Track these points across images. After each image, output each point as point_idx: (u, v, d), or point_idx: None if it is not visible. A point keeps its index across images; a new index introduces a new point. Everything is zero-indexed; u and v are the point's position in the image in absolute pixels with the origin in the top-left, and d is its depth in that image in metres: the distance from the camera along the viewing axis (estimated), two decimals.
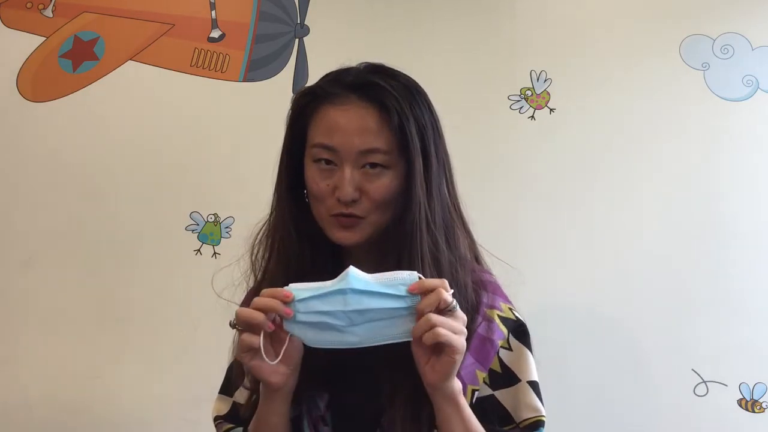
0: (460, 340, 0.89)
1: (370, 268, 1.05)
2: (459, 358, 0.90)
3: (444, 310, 0.89)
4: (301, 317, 0.89)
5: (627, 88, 2.05)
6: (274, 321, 0.90)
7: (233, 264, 1.14)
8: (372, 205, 1.02)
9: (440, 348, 0.89)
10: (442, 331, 0.87)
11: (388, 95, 1.01)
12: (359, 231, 1.03)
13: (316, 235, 1.06)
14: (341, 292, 0.88)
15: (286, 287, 0.90)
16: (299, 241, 1.06)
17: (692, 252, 2.02)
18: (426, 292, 0.89)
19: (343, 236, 1.03)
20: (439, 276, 1.00)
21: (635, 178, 2.04)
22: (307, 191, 1.07)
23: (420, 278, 0.90)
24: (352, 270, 0.89)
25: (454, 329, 0.88)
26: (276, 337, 0.91)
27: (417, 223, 1.00)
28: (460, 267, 1.05)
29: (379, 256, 1.04)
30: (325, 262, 1.06)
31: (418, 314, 0.89)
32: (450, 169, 1.09)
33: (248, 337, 0.90)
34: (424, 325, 0.88)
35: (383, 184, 1.01)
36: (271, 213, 1.10)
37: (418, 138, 1.01)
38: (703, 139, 2.04)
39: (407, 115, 1.01)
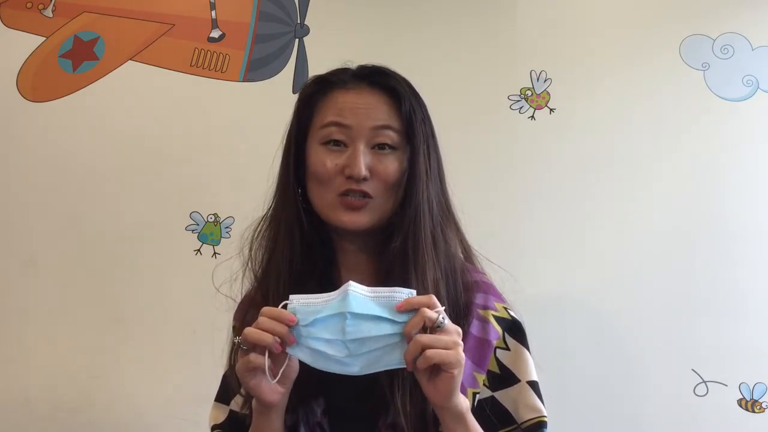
0: (453, 356, 0.88)
1: (369, 260, 1.06)
2: (458, 372, 0.89)
3: (433, 327, 0.88)
4: (303, 341, 0.89)
5: (627, 88, 2.05)
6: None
7: (234, 257, 1.14)
8: (381, 186, 1.03)
9: (437, 367, 0.88)
10: (431, 353, 0.86)
11: (396, 82, 1.06)
12: (367, 214, 1.04)
13: (312, 231, 1.07)
14: (341, 316, 0.87)
15: (288, 302, 0.90)
16: (302, 233, 1.07)
17: (692, 252, 2.02)
18: (414, 309, 0.88)
19: (349, 219, 1.03)
20: (438, 259, 1.03)
21: (635, 178, 2.03)
22: (304, 187, 1.07)
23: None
24: (352, 288, 0.89)
25: (445, 345, 0.87)
26: (276, 356, 0.91)
27: (421, 204, 1.03)
28: (453, 254, 1.07)
29: (377, 245, 1.05)
30: (318, 260, 1.07)
31: (407, 338, 0.88)
32: (443, 172, 1.12)
33: (255, 358, 0.90)
34: (414, 349, 0.87)
35: (393, 164, 1.04)
36: (271, 206, 1.11)
37: (421, 126, 1.06)
38: (703, 139, 2.04)
39: (412, 103, 1.06)
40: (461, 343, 0.89)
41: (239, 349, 0.92)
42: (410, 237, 1.02)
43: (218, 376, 1.18)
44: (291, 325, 0.89)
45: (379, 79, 1.07)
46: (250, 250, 1.12)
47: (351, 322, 0.87)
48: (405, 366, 0.89)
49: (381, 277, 1.04)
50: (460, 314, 1.04)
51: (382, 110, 1.04)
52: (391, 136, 1.04)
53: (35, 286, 2.01)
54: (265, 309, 0.91)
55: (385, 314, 0.88)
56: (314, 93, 1.09)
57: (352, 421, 1.03)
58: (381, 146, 1.04)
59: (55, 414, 1.99)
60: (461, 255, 1.11)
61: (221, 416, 1.13)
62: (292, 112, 1.11)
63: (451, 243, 1.08)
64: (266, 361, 0.89)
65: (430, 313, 0.88)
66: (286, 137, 1.11)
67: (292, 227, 1.07)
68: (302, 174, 1.08)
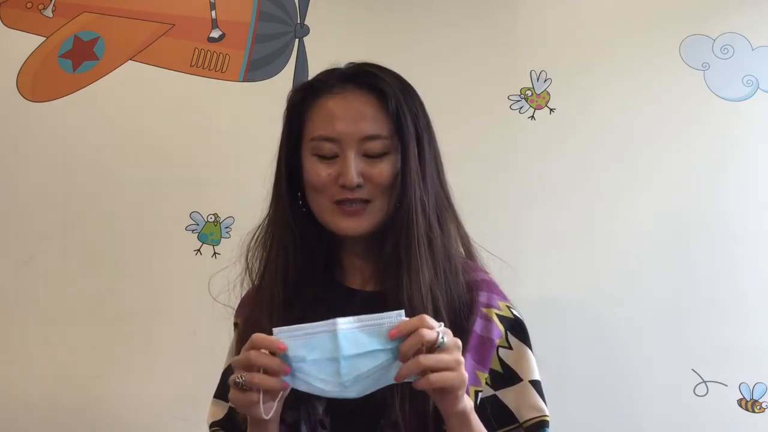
0: (457, 379, 0.87)
1: (367, 261, 1.06)
2: (461, 392, 0.88)
3: (432, 348, 0.86)
4: (297, 374, 0.87)
5: (627, 88, 2.05)
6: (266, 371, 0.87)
7: (230, 267, 1.14)
8: (376, 190, 1.03)
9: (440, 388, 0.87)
10: (434, 378, 0.85)
11: (383, 82, 1.05)
12: (366, 218, 1.03)
13: (311, 234, 1.07)
14: (334, 360, 0.86)
15: (276, 336, 0.87)
16: (297, 238, 1.06)
17: (692, 252, 2.02)
18: (407, 333, 0.85)
19: (348, 226, 1.03)
20: (433, 260, 1.02)
21: (635, 177, 2.03)
22: (303, 190, 1.07)
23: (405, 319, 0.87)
24: (341, 327, 0.86)
25: (447, 365, 0.86)
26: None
27: (413, 206, 1.02)
28: (452, 252, 1.06)
29: (377, 246, 1.04)
30: (318, 263, 1.07)
31: (401, 356, 0.86)
32: (441, 163, 1.10)
33: (254, 396, 0.87)
34: (414, 367, 0.85)
35: (385, 168, 1.03)
36: (268, 213, 1.11)
37: (411, 123, 1.04)
38: (703, 139, 2.04)
39: (401, 101, 1.04)
40: (463, 360, 0.88)
41: (239, 386, 0.88)
42: (402, 240, 1.01)
43: (218, 377, 1.18)
44: (280, 353, 0.86)
45: (365, 80, 1.05)
46: (247, 259, 1.12)
47: (345, 364, 0.86)
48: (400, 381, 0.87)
49: (380, 280, 1.05)
50: (462, 314, 1.03)
51: (369, 116, 1.03)
52: (381, 144, 1.03)
53: (35, 286, 2.01)
54: (255, 337, 0.87)
55: (378, 346, 0.86)
56: (302, 100, 1.08)
57: (354, 420, 1.03)
58: (372, 151, 1.03)
59: (55, 414, 1.99)
60: (462, 251, 1.11)
61: (220, 413, 1.13)
62: (283, 121, 1.10)
63: (451, 240, 1.08)
64: (261, 397, 0.87)
65: (429, 334, 0.85)
66: (278, 146, 1.10)
67: (286, 237, 1.07)
68: (300, 180, 1.08)
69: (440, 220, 1.06)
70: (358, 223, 1.03)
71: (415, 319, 0.86)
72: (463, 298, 1.04)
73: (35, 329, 2.00)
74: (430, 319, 0.87)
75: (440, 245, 1.04)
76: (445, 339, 0.86)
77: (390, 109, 1.03)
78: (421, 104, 1.09)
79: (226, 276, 1.16)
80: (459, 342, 0.89)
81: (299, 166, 1.07)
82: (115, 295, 2.01)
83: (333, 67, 1.11)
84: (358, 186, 1.02)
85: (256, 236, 1.12)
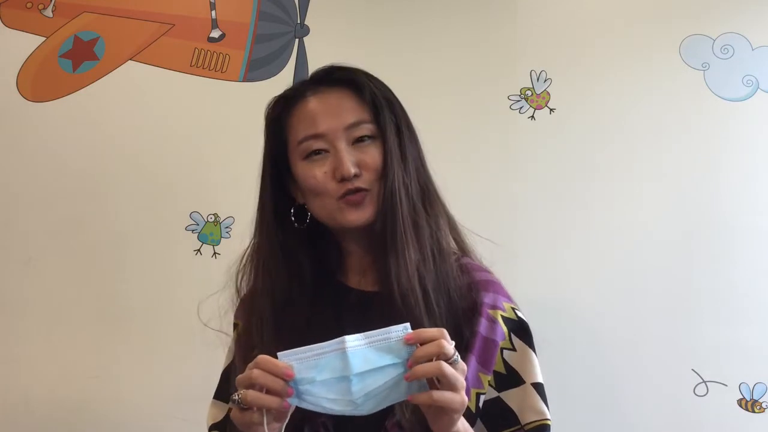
0: (458, 402, 0.86)
1: (362, 255, 1.07)
2: (457, 415, 0.88)
3: (447, 361, 0.85)
4: (305, 397, 0.87)
5: (627, 88, 2.05)
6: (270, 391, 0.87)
7: (219, 291, 1.15)
8: (373, 176, 1.04)
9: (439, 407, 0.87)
10: (437, 396, 0.84)
11: (354, 74, 1.07)
12: (368, 207, 1.03)
13: (302, 251, 1.07)
14: (345, 378, 0.85)
15: (282, 360, 0.86)
16: (285, 260, 1.07)
17: (692, 251, 2.02)
18: (423, 341, 0.85)
19: (356, 217, 1.03)
20: (419, 241, 1.02)
21: (635, 178, 2.03)
22: (295, 207, 1.08)
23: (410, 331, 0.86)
24: (350, 345, 0.85)
25: (455, 385, 0.85)
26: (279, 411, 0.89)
27: (396, 187, 1.02)
28: (441, 238, 1.06)
29: (367, 238, 1.04)
30: (306, 279, 1.07)
31: (412, 361, 0.85)
32: (421, 149, 1.11)
33: (259, 418, 0.87)
34: (431, 370, 0.84)
35: (377, 152, 1.04)
36: (254, 237, 1.11)
37: (387, 109, 1.06)
38: (702, 139, 2.04)
39: (374, 89, 1.06)
40: (464, 384, 0.87)
41: (236, 404, 0.87)
42: (388, 221, 1.02)
43: (218, 377, 1.18)
44: (288, 381, 0.85)
45: (335, 76, 1.07)
46: (237, 283, 1.12)
47: (356, 381, 0.85)
48: (408, 398, 0.87)
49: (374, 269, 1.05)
50: (459, 303, 1.03)
51: (349, 106, 1.05)
52: (366, 128, 1.04)
53: (35, 286, 2.01)
54: (261, 359, 0.86)
55: (387, 361, 0.86)
56: (280, 114, 1.09)
57: (358, 420, 1.02)
58: (360, 139, 1.04)
59: (54, 414, 1.99)
60: (453, 243, 1.11)
61: (219, 415, 1.12)
62: (264, 139, 1.11)
63: (439, 225, 1.08)
64: (264, 418, 0.87)
65: (447, 346, 0.85)
66: (261, 168, 1.11)
67: (274, 262, 1.07)
68: (289, 197, 1.08)
69: (424, 204, 1.07)
70: (362, 212, 1.03)
71: (435, 330, 0.86)
72: (459, 283, 1.04)
73: (35, 329, 2.00)
74: (447, 335, 0.87)
75: (425, 227, 1.04)
76: (459, 359, 0.86)
77: (366, 97, 1.05)
78: (393, 93, 1.10)
79: (216, 299, 1.16)
80: (465, 367, 0.88)
81: (289, 183, 1.08)
82: (115, 295, 2.01)
83: (301, 80, 1.12)
84: (356, 176, 1.02)
85: (244, 258, 1.12)
